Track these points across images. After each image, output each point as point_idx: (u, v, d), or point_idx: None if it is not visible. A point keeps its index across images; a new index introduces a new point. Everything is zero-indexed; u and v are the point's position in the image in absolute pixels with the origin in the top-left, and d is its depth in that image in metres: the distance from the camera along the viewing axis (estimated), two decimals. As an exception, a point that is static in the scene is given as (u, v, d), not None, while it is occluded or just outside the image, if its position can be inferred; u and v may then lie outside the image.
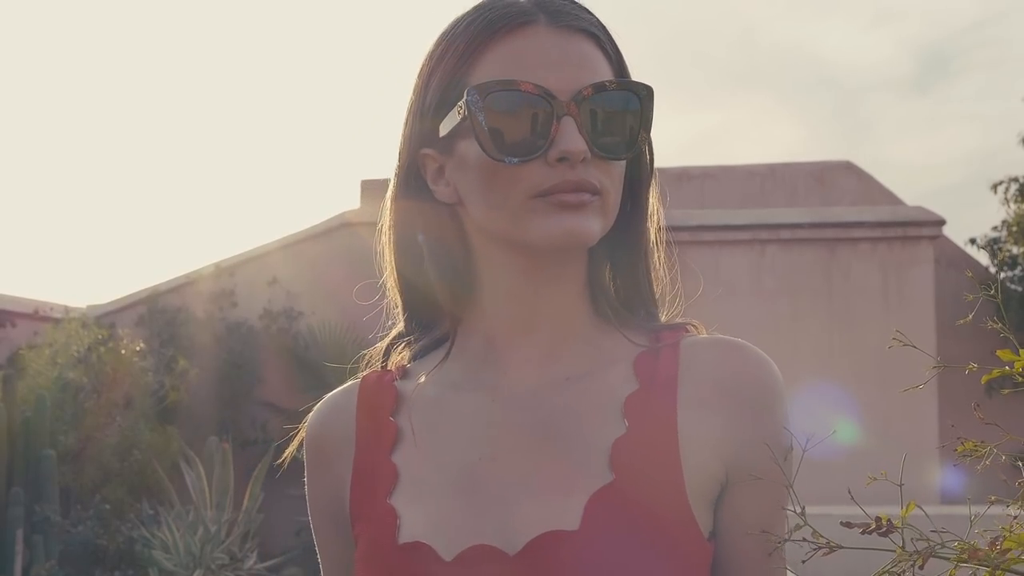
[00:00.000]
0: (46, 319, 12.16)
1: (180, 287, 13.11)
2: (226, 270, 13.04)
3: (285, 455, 1.39)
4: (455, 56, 1.21)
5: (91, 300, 13.48)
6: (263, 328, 12.67)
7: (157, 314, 12.71)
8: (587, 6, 1.25)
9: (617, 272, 1.30)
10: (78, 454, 10.19)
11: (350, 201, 19.27)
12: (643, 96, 1.19)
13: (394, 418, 1.28)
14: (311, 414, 1.36)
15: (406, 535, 1.18)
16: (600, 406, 1.21)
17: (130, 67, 24.79)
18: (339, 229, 13.02)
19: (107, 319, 12.70)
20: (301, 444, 1.36)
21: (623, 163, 1.21)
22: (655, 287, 1.31)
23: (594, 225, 1.17)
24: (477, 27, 1.21)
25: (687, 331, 1.27)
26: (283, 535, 11.37)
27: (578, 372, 1.24)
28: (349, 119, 26.62)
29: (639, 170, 1.27)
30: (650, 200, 1.30)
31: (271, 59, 26.60)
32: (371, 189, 13.63)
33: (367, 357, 1.39)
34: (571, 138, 1.13)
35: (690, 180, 13.36)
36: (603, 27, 1.24)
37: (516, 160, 1.14)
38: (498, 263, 1.23)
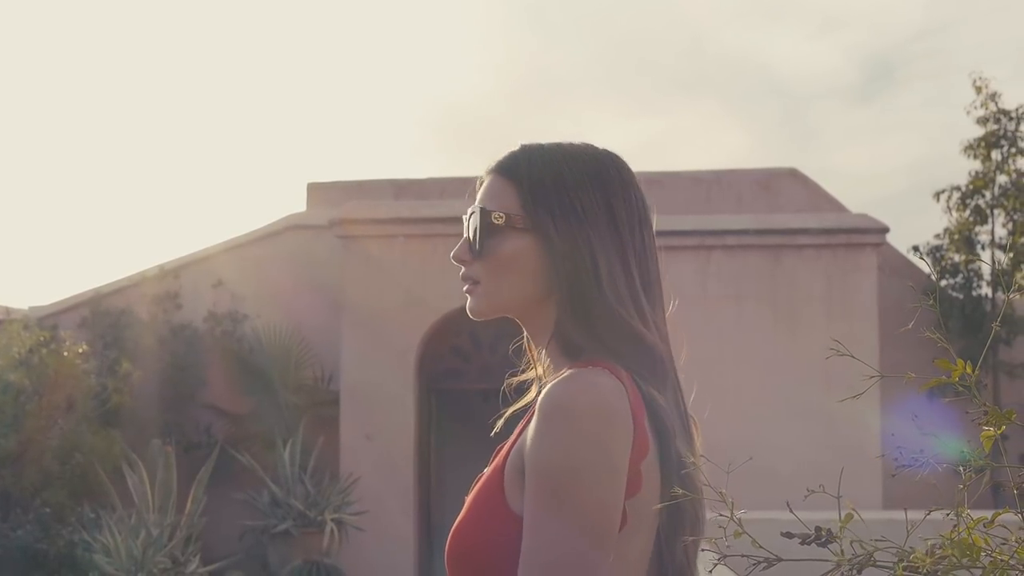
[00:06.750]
0: (-14, 320, 11.99)
1: (124, 289, 12.98)
2: (170, 272, 12.93)
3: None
4: None
5: (33, 301, 13.35)
6: (208, 331, 12.59)
7: (100, 316, 12.58)
8: (522, 147, 1.73)
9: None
10: (18, 457, 10.08)
11: (296, 204, 19.18)
12: (481, 214, 1.69)
13: None
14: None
15: None
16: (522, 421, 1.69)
17: (73, 66, 24.56)
18: (285, 232, 12.95)
19: (49, 321, 12.56)
20: None
21: (502, 257, 1.68)
22: (591, 325, 1.65)
23: (479, 304, 1.72)
24: None
25: (579, 368, 1.59)
26: (226, 539, 11.29)
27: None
28: (297, 121, 26.52)
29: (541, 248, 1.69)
30: (566, 261, 1.66)
31: (218, 61, 26.45)
32: (317, 192, 13.50)
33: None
34: (455, 249, 1.73)
35: (637, 186, 13.35)
36: (517, 163, 1.71)
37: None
38: None
